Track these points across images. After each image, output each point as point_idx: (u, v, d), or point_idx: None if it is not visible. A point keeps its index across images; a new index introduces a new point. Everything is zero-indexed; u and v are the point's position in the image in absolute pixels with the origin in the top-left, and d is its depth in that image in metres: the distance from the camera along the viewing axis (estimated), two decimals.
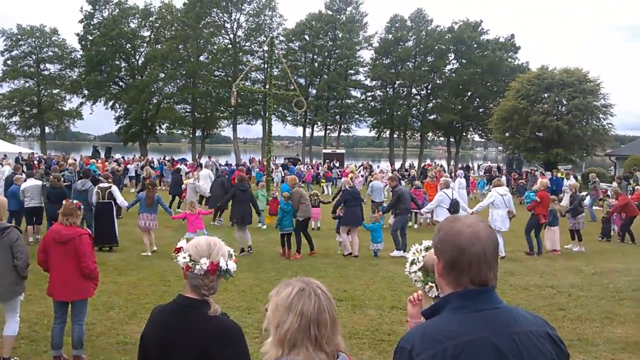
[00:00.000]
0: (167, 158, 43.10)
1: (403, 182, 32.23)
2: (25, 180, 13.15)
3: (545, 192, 13.70)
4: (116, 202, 12.54)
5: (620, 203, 15.58)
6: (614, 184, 21.17)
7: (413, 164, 48.23)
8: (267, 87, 27.41)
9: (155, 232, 12.80)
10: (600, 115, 37.19)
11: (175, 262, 2.51)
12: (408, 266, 2.81)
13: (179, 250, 2.52)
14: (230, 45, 53.56)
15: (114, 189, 12.55)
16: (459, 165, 45.70)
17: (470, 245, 1.73)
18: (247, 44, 54.30)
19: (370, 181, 19.75)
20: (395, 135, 58.95)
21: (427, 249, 2.79)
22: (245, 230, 12.57)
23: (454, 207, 12.68)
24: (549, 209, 13.46)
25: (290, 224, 12.22)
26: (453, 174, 28.86)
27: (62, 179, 14.43)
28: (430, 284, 2.69)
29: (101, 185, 12.55)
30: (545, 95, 37.39)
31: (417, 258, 2.76)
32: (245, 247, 12.42)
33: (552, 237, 13.65)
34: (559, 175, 26.33)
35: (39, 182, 12.95)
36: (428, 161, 57.32)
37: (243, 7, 53.13)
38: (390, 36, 55.41)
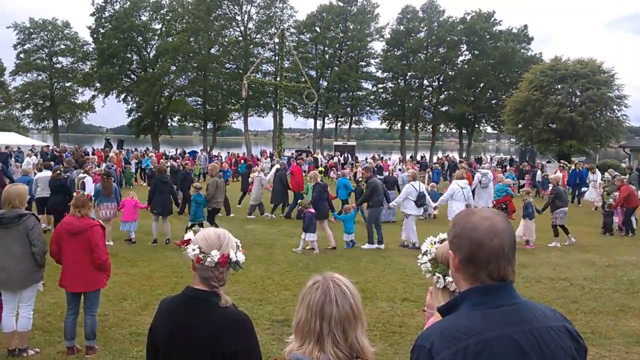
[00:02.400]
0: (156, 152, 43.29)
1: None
2: (41, 171, 13.54)
3: (513, 187, 13.66)
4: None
5: (622, 194, 15.23)
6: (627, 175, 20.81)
7: (425, 156, 48.05)
8: (278, 79, 27.48)
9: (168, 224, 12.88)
10: (615, 107, 36.81)
11: (185, 254, 2.50)
12: (420, 256, 2.80)
13: (187, 242, 2.51)
14: (241, 38, 53.57)
15: (87, 180, 12.85)
16: (471, 157, 45.43)
17: (487, 239, 1.68)
18: (258, 36, 54.28)
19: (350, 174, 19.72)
20: (406, 127, 58.72)
21: (442, 241, 2.78)
22: (166, 221, 12.66)
23: (420, 199, 12.62)
24: (526, 202, 13.36)
25: (202, 215, 12.36)
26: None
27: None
28: (437, 274, 2.68)
29: (80, 175, 13.04)
30: (559, 86, 37.05)
31: (430, 249, 2.74)
32: (165, 238, 12.49)
33: (527, 228, 13.20)
34: (579, 167, 26.05)
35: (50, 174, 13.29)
36: (440, 154, 57.03)
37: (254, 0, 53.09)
38: (401, 27, 55.07)
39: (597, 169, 23.05)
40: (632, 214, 15.60)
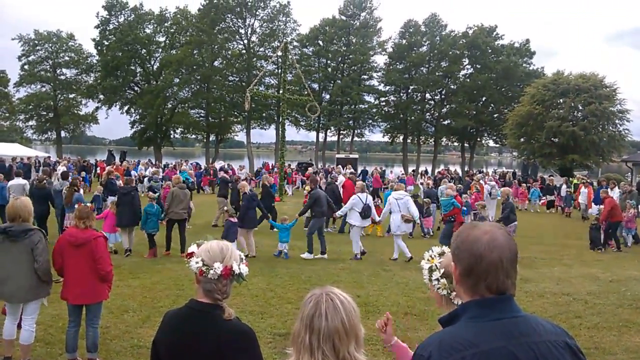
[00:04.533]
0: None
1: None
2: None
3: (459, 198, 13.60)
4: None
5: (607, 207, 15.08)
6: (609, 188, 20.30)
7: (427, 170, 48.08)
8: (281, 92, 27.55)
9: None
10: (617, 121, 36.88)
11: (188, 267, 2.51)
12: (427, 274, 2.72)
13: (191, 255, 2.52)
14: (244, 51, 53.83)
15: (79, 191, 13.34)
16: (473, 171, 45.36)
17: (487, 252, 1.71)
18: (261, 49, 54.51)
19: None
20: (408, 141, 58.79)
21: (440, 254, 2.74)
22: (132, 232, 12.77)
23: (365, 211, 12.74)
24: (479, 216, 13.30)
25: (155, 225, 12.48)
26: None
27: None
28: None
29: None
30: (561, 100, 37.12)
31: (435, 265, 2.69)
32: (128, 248, 12.65)
33: None
34: (575, 181, 25.66)
35: (23, 181, 14.77)
36: (442, 167, 57.04)
37: (257, 13, 53.40)
38: (404, 41, 55.30)
39: (616, 185, 21.93)
40: (617, 228, 15.43)
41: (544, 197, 26.64)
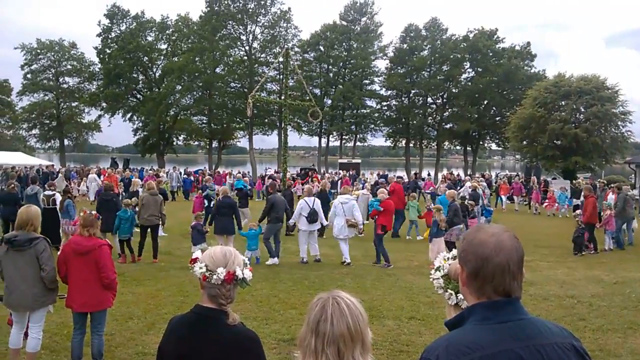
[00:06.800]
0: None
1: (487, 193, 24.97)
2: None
3: (389, 201, 13.32)
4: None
5: (590, 208, 14.71)
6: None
7: (430, 174, 48.07)
8: (283, 97, 27.68)
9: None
10: (619, 123, 36.80)
11: (192, 272, 2.53)
12: (433, 271, 2.80)
13: (194, 261, 2.54)
14: (245, 57, 53.93)
15: (57, 196, 13.60)
16: (476, 174, 45.28)
17: (493, 255, 1.72)
18: (263, 55, 54.61)
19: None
20: (411, 145, 58.77)
21: (454, 257, 2.78)
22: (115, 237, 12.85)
23: (312, 216, 12.76)
24: (432, 219, 12.92)
25: (128, 231, 12.49)
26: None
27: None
28: (449, 291, 2.68)
29: (46, 193, 13.72)
30: (563, 103, 37.07)
31: (443, 265, 2.75)
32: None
33: (438, 248, 11.97)
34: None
35: None
36: (445, 170, 56.98)
37: (258, 19, 53.50)
38: (405, 46, 55.36)
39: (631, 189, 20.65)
40: (593, 229, 15.11)
41: (571, 201, 25.54)
